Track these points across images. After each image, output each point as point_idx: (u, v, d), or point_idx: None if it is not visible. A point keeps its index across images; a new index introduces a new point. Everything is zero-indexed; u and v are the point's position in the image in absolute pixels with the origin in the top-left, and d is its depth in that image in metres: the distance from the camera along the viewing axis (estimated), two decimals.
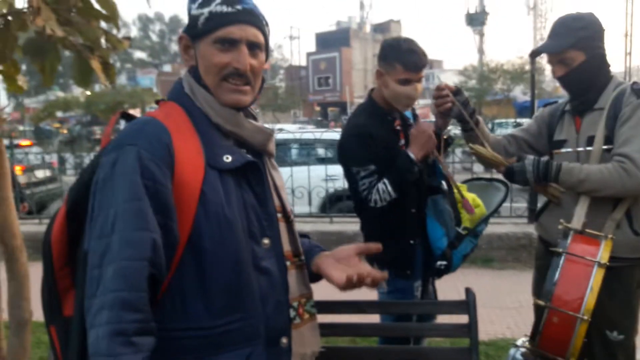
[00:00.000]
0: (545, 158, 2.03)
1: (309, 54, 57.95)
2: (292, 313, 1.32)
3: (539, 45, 2.12)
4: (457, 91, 2.16)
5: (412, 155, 2.12)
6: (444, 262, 2.25)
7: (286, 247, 1.34)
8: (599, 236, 1.85)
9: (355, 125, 2.23)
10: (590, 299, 1.64)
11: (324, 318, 2.07)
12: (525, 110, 20.91)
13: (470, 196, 2.31)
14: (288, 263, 1.33)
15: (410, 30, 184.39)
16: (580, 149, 2.03)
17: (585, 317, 1.63)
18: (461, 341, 2.12)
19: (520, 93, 33.61)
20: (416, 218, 2.24)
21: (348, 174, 2.23)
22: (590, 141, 1.99)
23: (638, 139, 1.87)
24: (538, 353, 1.92)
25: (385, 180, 2.14)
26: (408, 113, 2.37)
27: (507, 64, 34.40)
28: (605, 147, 1.94)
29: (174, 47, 73.99)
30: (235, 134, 1.28)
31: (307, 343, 1.36)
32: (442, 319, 2.33)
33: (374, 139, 2.14)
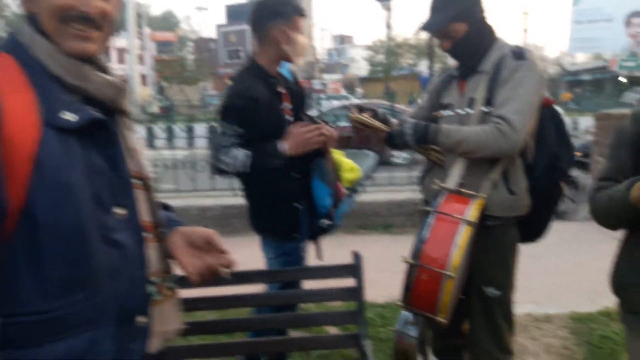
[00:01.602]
0: (423, 122, 2.05)
1: (219, 26, 56.36)
2: (152, 289, 1.22)
3: (422, 23, 2.12)
4: (361, 109, 2.15)
5: (282, 148, 2.13)
6: (329, 221, 2.30)
7: (145, 217, 1.23)
8: (471, 195, 1.91)
9: (240, 88, 2.19)
10: (456, 256, 1.69)
11: (205, 291, 2.03)
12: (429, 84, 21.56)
13: (347, 162, 2.40)
14: (147, 235, 1.22)
15: (321, 4, 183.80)
16: (461, 111, 2.08)
17: (451, 274, 1.68)
18: (350, 304, 2.17)
19: (425, 68, 34.72)
20: (300, 182, 2.26)
21: (219, 130, 2.18)
22: (471, 103, 2.04)
23: (515, 101, 1.92)
24: (411, 310, 1.99)
25: (248, 153, 2.13)
26: (287, 74, 2.36)
27: (413, 39, 35.31)
28: (485, 109, 1.99)
29: None
30: (81, 88, 1.13)
31: (169, 321, 1.27)
32: (329, 283, 2.37)
33: (258, 103, 2.12)
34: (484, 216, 1.99)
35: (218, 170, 2.18)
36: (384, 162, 6.08)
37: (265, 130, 2.16)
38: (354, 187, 2.42)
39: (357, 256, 2.14)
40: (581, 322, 3.48)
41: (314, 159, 2.30)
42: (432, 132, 1.97)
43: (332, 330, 3.27)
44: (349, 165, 2.42)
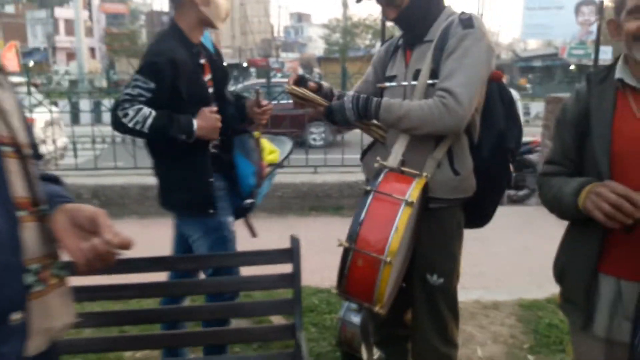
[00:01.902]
0: (365, 95, 1.89)
1: None
2: (31, 279, 1.01)
3: None
4: (300, 80, 1.96)
5: (194, 126, 1.99)
6: (252, 200, 2.21)
7: (19, 192, 1.01)
8: (413, 175, 1.76)
9: (161, 47, 2.01)
10: (394, 240, 1.53)
11: (123, 278, 1.82)
12: None
13: (268, 143, 2.35)
14: (23, 213, 1.01)
15: None
16: (405, 83, 1.92)
17: (389, 259, 1.52)
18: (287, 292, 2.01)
19: None
20: (219, 157, 2.15)
21: (131, 82, 1.99)
22: (417, 75, 1.88)
23: (461, 72, 1.77)
24: (347, 298, 1.83)
25: (153, 113, 1.95)
26: (210, 45, 2.21)
27: (369, 19, 35.17)
28: (430, 81, 1.84)
29: None
30: None
31: (54, 315, 1.06)
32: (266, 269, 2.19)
33: (178, 67, 1.95)
34: (427, 198, 1.84)
35: (116, 122, 1.97)
36: (302, 144, 5.96)
37: (185, 99, 1.99)
38: (272, 170, 2.38)
39: (294, 240, 1.97)
40: (529, 310, 3.44)
41: (236, 135, 2.20)
42: (373, 106, 1.81)
43: (277, 319, 3.11)
44: (269, 147, 2.36)
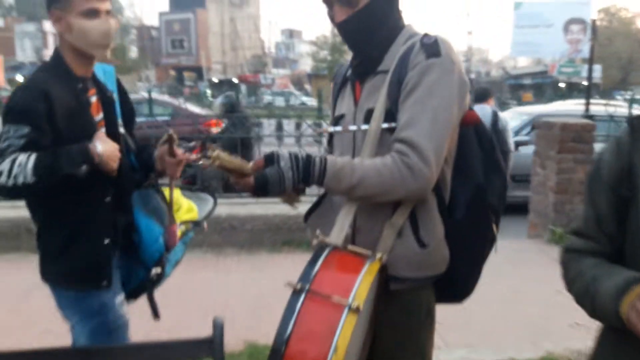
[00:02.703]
0: (304, 153, 1.39)
1: (161, 14, 54.45)
2: None
3: None
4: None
5: (94, 149, 1.58)
6: (159, 270, 1.78)
7: None
8: (364, 256, 1.32)
9: (33, 79, 1.69)
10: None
11: None
12: None
13: (186, 201, 1.93)
14: None
15: None
16: (354, 127, 1.48)
17: None
18: None
19: None
20: (111, 210, 1.71)
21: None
22: (369, 116, 1.45)
23: (426, 118, 1.34)
24: None
25: (32, 155, 1.53)
26: (111, 79, 1.80)
27: None
28: (385, 125, 1.41)
29: None
30: None
31: None
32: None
33: (50, 101, 1.58)
34: (386, 276, 1.40)
35: None
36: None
37: (66, 141, 1.60)
38: (188, 231, 1.93)
39: (217, 325, 1.50)
40: None
41: (137, 189, 1.80)
42: (316, 172, 1.35)
43: None
44: (186, 204, 1.93)
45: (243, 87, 38.99)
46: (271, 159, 1.35)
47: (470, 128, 1.52)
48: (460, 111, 1.43)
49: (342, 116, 1.56)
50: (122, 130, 1.80)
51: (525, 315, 3.65)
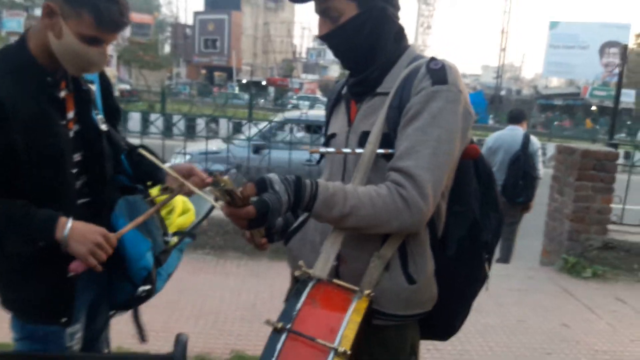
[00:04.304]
0: (293, 176, 1.30)
1: (196, 13, 55.07)
2: None
3: None
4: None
5: (63, 232, 1.36)
6: (147, 287, 1.56)
7: None
8: (351, 291, 1.29)
9: None
10: None
11: None
12: None
13: (181, 201, 1.72)
14: None
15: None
16: (347, 150, 1.42)
17: None
18: None
19: None
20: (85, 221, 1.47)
21: None
22: (363, 140, 1.38)
23: (427, 149, 1.27)
24: None
25: None
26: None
27: None
28: (381, 150, 1.35)
29: None
30: None
31: None
32: None
33: (6, 113, 1.32)
34: (371, 310, 1.36)
35: None
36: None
37: (25, 158, 1.37)
38: (184, 236, 1.71)
39: (179, 341, 1.45)
40: None
41: (121, 195, 1.57)
42: (306, 196, 1.26)
43: None
44: (182, 205, 1.72)
45: (271, 90, 39.21)
46: (263, 185, 1.24)
47: (469, 161, 1.48)
48: (463, 144, 1.36)
49: (333, 135, 1.49)
50: (103, 127, 1.55)
51: (528, 349, 3.55)
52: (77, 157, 1.49)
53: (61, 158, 1.43)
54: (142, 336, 1.68)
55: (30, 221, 1.35)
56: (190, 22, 56.73)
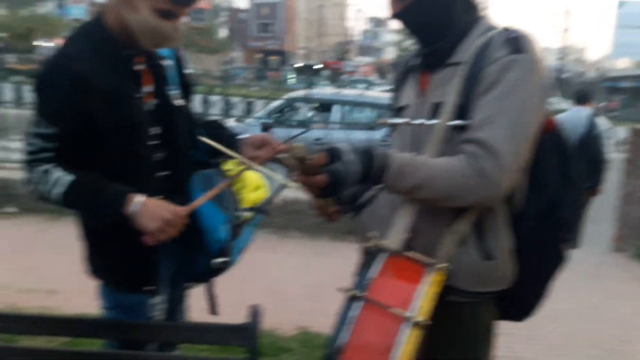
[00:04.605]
0: (362, 145, 1.27)
1: None
2: None
3: None
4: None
5: (132, 207, 1.37)
6: (224, 259, 1.57)
7: None
8: (425, 263, 1.23)
9: (64, 53, 1.42)
10: None
11: None
12: None
13: (253, 177, 1.71)
14: None
15: None
16: (420, 121, 1.36)
17: None
18: None
19: None
20: (164, 195, 1.49)
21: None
22: (435, 111, 1.33)
23: (505, 119, 1.22)
24: None
25: (62, 178, 1.37)
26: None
27: None
28: (455, 122, 1.29)
29: None
30: None
31: None
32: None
33: (85, 82, 1.36)
34: (446, 287, 1.30)
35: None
36: None
37: (102, 129, 1.41)
38: (257, 211, 1.71)
39: (254, 312, 1.46)
40: None
41: (195, 170, 1.60)
42: (376, 166, 1.23)
43: None
44: (255, 181, 1.72)
45: (325, 73, 39.17)
46: (335, 154, 1.22)
47: (547, 135, 1.38)
48: (541, 116, 1.29)
49: (404, 108, 1.45)
50: (179, 102, 1.58)
51: (601, 336, 3.38)
52: (154, 130, 1.51)
53: (136, 130, 1.46)
54: (213, 309, 1.71)
55: (100, 195, 1.38)
56: (245, 6, 57.30)
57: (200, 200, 1.44)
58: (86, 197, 1.39)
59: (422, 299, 1.12)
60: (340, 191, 1.21)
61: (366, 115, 6.79)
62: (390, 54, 56.91)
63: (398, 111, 1.47)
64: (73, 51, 1.41)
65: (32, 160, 1.39)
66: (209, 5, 51.78)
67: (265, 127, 6.20)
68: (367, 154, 1.23)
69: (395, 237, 1.26)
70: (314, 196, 1.24)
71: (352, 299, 1.12)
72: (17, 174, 5.07)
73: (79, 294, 3.25)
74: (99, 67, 1.39)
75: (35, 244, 4.30)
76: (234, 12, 57.22)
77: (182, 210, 1.40)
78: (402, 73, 1.52)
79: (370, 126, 6.22)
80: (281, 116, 6.82)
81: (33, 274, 3.68)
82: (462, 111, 1.28)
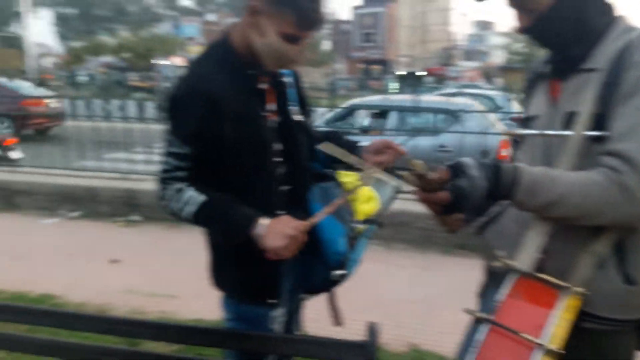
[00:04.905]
0: (490, 160, 1.22)
1: (354, 8, 56.10)
2: None
3: None
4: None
5: (257, 230, 1.40)
6: (341, 272, 1.58)
7: None
8: (560, 287, 1.13)
9: (197, 73, 1.48)
10: None
11: None
12: None
13: (365, 188, 1.69)
14: None
15: None
16: (552, 132, 1.27)
17: None
18: None
19: None
20: (286, 208, 1.54)
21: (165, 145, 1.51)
22: (569, 121, 1.23)
23: None
24: None
25: (195, 198, 1.43)
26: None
27: None
28: (592, 133, 1.19)
29: None
30: None
31: None
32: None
33: (217, 105, 1.42)
34: (581, 313, 1.19)
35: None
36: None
37: (231, 148, 1.46)
38: (372, 223, 1.71)
39: (373, 330, 1.44)
40: None
41: (315, 182, 1.62)
42: (504, 181, 1.16)
43: None
44: (366, 193, 1.71)
45: (428, 80, 38.52)
46: (458, 169, 1.17)
47: None
48: None
49: (534, 117, 1.36)
50: (298, 117, 1.62)
51: None
52: (277, 147, 1.56)
53: (264, 148, 1.51)
54: (337, 320, 1.71)
55: (229, 218, 1.43)
56: (348, 17, 58.00)
57: (321, 215, 1.45)
58: (215, 218, 1.44)
59: (555, 325, 1.04)
60: (464, 209, 1.16)
61: (426, 120, 6.56)
62: (497, 58, 54.80)
63: (526, 121, 1.39)
64: (204, 72, 1.47)
65: (167, 179, 1.46)
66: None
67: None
68: (493, 168, 1.17)
69: (525, 258, 1.18)
70: (435, 213, 1.20)
71: (478, 321, 1.06)
72: (140, 185, 5.48)
73: (197, 299, 3.42)
74: (229, 87, 1.44)
75: (157, 251, 4.59)
76: (337, 23, 58.10)
77: (304, 225, 1.41)
78: (530, 80, 1.44)
79: (434, 131, 5.97)
80: (342, 123, 6.78)
81: (156, 278, 3.92)
82: (599, 121, 1.18)
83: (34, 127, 11.26)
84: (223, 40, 1.52)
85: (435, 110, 5.62)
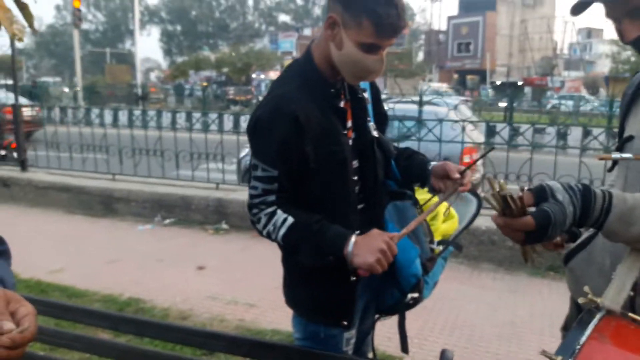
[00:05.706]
0: (579, 184, 1.07)
1: (450, 18, 55.00)
2: None
3: None
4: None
5: (348, 248, 1.36)
6: (415, 295, 1.51)
7: None
8: None
9: (279, 98, 1.44)
10: None
11: None
12: None
13: (444, 205, 1.60)
14: None
15: None
16: None
17: None
18: None
19: None
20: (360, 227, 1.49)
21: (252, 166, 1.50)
22: None
23: None
24: None
25: (288, 220, 1.41)
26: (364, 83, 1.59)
27: None
28: None
29: (317, 10, 74.31)
30: None
31: None
32: None
33: (301, 125, 1.39)
34: None
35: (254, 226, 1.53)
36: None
37: (313, 165, 1.43)
38: (449, 243, 1.62)
39: (445, 357, 1.35)
40: None
41: (389, 201, 1.56)
42: (597, 208, 1.03)
43: None
44: (445, 211, 1.63)
45: (527, 90, 36.83)
46: (543, 193, 1.06)
47: None
48: None
49: (630, 138, 1.22)
50: (375, 133, 1.58)
51: None
52: (355, 163, 1.53)
53: (345, 166, 1.48)
54: (404, 346, 1.64)
55: (323, 236, 1.40)
56: (443, 27, 56.97)
57: (404, 232, 1.40)
58: (306, 239, 1.41)
59: None
60: (549, 236, 1.04)
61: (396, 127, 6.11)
62: (603, 67, 51.40)
63: (623, 142, 1.24)
64: (288, 91, 1.44)
65: (258, 204, 1.45)
66: (407, 30, 52.64)
67: None
68: (583, 193, 1.04)
69: (616, 295, 1.05)
70: (517, 241, 1.08)
71: None
72: (230, 195, 5.63)
73: (275, 310, 3.44)
74: (312, 106, 1.43)
75: (241, 259, 4.69)
76: (432, 34, 57.26)
77: (395, 237, 1.37)
78: (629, 96, 1.28)
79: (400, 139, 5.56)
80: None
81: (237, 287, 4.00)
82: None
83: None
84: (305, 57, 1.51)
85: (401, 118, 5.32)
